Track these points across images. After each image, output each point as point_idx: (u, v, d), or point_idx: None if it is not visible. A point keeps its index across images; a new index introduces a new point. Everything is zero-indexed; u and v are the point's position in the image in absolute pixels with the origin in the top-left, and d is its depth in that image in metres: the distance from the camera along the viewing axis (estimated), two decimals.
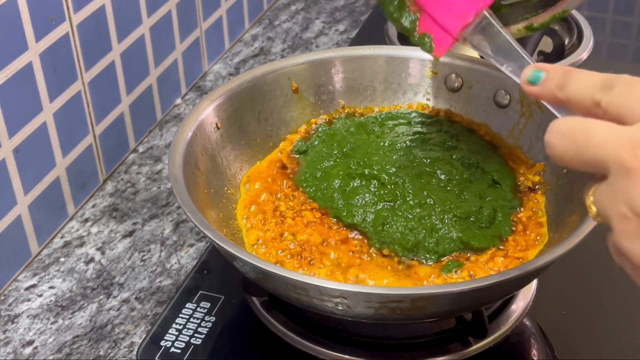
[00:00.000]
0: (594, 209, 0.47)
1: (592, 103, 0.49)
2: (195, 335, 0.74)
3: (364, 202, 0.72)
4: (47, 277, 0.83)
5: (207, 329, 0.74)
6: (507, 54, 0.66)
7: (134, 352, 0.75)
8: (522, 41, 0.79)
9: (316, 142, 0.81)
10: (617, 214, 0.45)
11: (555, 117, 0.55)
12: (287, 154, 0.81)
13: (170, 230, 0.89)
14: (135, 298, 0.81)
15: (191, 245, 0.87)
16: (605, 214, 0.46)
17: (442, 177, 0.74)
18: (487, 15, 0.69)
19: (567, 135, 0.47)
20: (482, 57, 0.83)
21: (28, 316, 0.79)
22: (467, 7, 0.71)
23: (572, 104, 0.51)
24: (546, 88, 0.53)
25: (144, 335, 0.75)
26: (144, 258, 0.85)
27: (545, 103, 0.56)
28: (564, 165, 0.49)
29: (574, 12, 1.10)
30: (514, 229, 0.72)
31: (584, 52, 1.05)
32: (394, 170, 0.74)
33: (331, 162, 0.77)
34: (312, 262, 0.70)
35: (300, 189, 0.77)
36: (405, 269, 0.69)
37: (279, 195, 0.77)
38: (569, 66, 0.53)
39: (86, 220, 0.90)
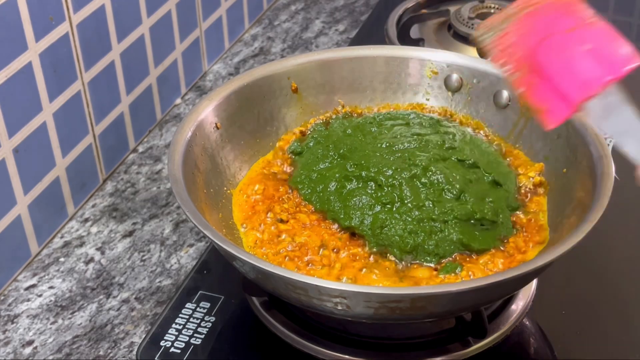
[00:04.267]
0: None
1: None
2: (195, 335, 0.74)
3: (361, 204, 0.72)
4: (46, 277, 0.83)
5: (207, 329, 0.74)
6: (628, 131, 0.59)
7: (134, 352, 0.75)
8: None
9: (311, 144, 0.80)
10: None
11: None
12: (282, 155, 0.81)
13: (170, 230, 0.88)
14: (135, 298, 0.81)
15: (191, 245, 0.87)
16: None
17: (442, 178, 0.73)
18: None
19: None
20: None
21: (28, 316, 0.79)
22: (596, 72, 0.60)
23: None
24: None
25: (143, 335, 0.75)
26: (144, 258, 0.85)
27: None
28: None
29: None
30: (514, 230, 0.72)
31: None
32: (391, 172, 0.73)
33: (327, 164, 0.77)
34: (310, 264, 0.69)
35: (295, 191, 0.76)
36: (404, 270, 0.69)
37: (273, 197, 0.76)
38: None
39: (86, 220, 0.90)
